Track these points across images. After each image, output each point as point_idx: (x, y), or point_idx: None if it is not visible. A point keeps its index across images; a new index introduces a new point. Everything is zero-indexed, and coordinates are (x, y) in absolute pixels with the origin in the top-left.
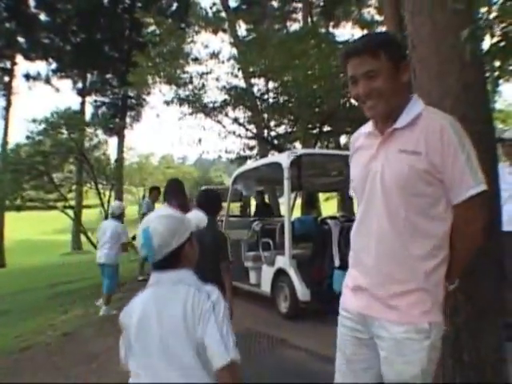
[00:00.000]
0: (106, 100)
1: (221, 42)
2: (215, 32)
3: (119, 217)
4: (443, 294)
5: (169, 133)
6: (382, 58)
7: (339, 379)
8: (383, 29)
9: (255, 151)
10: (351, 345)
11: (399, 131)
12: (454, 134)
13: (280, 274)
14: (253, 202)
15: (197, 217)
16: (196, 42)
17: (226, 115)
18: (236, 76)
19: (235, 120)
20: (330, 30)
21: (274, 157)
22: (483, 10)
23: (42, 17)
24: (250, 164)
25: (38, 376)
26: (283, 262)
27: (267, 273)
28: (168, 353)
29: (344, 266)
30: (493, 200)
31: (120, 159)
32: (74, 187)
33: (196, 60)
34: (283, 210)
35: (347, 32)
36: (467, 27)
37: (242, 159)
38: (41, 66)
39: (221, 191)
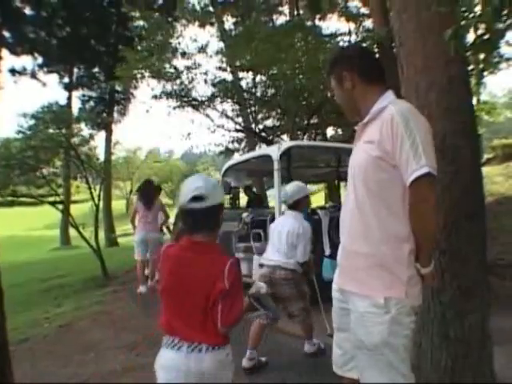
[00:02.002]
0: (93, 94)
1: (209, 37)
2: (203, 26)
3: None
4: (409, 273)
5: (156, 127)
6: (333, 75)
7: (334, 349)
8: (369, 22)
9: (243, 144)
10: (338, 315)
11: (368, 125)
12: (401, 121)
13: None
14: (242, 195)
15: None
16: (184, 37)
17: (214, 109)
18: (224, 70)
19: (223, 113)
20: (317, 22)
21: (263, 149)
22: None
23: (27, 11)
24: (240, 156)
25: (38, 366)
26: None
27: (258, 264)
28: None
29: (334, 255)
30: (476, 185)
31: (109, 154)
32: (63, 182)
33: (184, 54)
34: (271, 201)
35: (333, 25)
36: (450, 26)
37: (229, 152)
38: (27, 61)
39: None
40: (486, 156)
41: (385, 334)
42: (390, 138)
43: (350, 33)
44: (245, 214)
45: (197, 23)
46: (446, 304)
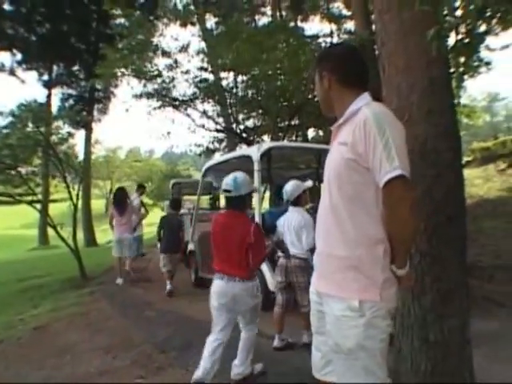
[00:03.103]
0: (73, 93)
1: (190, 36)
2: (184, 25)
3: None
4: (384, 276)
5: (136, 126)
6: (316, 71)
7: (313, 352)
8: (351, 23)
9: (223, 144)
10: (316, 318)
11: (342, 126)
12: (374, 124)
13: None
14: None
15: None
16: (165, 36)
17: (195, 108)
18: (205, 70)
19: (204, 113)
20: (299, 24)
21: (244, 150)
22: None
23: (6, 6)
24: (221, 157)
25: (11, 369)
26: None
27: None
28: None
29: None
30: (458, 188)
31: (88, 152)
32: (41, 181)
33: (165, 53)
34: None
35: (315, 26)
36: (433, 26)
37: (209, 152)
38: (5, 57)
39: (190, 184)
40: (465, 159)
41: (360, 338)
42: (362, 140)
43: (331, 34)
44: None
45: (178, 22)
46: (427, 307)
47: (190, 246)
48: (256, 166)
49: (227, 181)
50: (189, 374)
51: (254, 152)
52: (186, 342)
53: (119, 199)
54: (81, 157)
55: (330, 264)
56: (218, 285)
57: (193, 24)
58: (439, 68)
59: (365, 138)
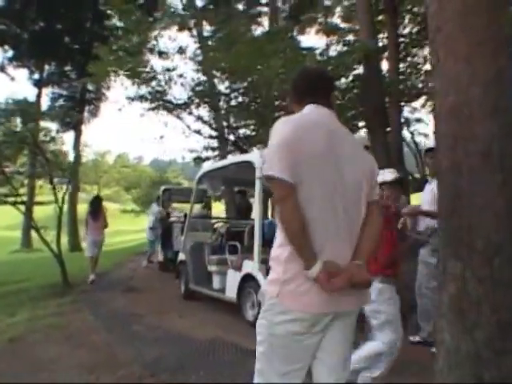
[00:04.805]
0: (64, 93)
1: (188, 40)
2: (181, 29)
3: None
4: (286, 276)
5: (126, 131)
6: None
7: None
8: (350, 36)
9: (216, 152)
10: None
11: None
12: (272, 131)
13: (247, 279)
14: (215, 204)
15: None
16: (162, 36)
17: (190, 113)
18: (202, 73)
19: (199, 118)
20: (296, 36)
21: (244, 155)
22: None
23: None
24: (217, 162)
25: None
26: (251, 266)
27: (233, 278)
28: None
29: None
30: None
31: (78, 154)
32: (26, 181)
33: (161, 54)
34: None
35: (312, 39)
36: (504, 5)
37: (201, 161)
38: None
39: (180, 191)
40: None
41: (261, 323)
42: None
43: (327, 47)
44: (220, 224)
45: (176, 27)
46: (482, 342)
47: (181, 256)
48: (258, 173)
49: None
50: None
51: (256, 158)
52: (178, 363)
53: (95, 206)
54: (70, 158)
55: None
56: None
57: (190, 30)
58: (508, 56)
59: None
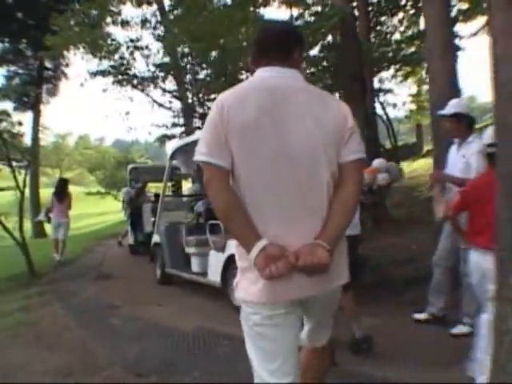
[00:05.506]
0: (20, 71)
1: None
2: (140, 4)
3: None
4: (240, 264)
5: (88, 111)
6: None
7: None
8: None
9: (183, 129)
10: None
11: None
12: None
13: (233, 261)
14: (185, 183)
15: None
16: (125, 3)
17: (156, 87)
18: (164, 48)
19: (165, 91)
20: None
21: None
22: None
23: None
24: (193, 135)
25: None
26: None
27: (216, 260)
28: None
29: None
30: None
31: (36, 136)
32: None
33: (124, 24)
34: None
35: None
36: None
37: (166, 138)
38: None
39: (149, 169)
40: None
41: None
42: None
43: (292, 19)
44: (199, 203)
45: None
46: None
47: (155, 238)
48: None
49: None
50: None
51: None
52: (166, 360)
53: (60, 188)
54: (29, 141)
55: None
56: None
57: (149, 4)
58: None
59: None
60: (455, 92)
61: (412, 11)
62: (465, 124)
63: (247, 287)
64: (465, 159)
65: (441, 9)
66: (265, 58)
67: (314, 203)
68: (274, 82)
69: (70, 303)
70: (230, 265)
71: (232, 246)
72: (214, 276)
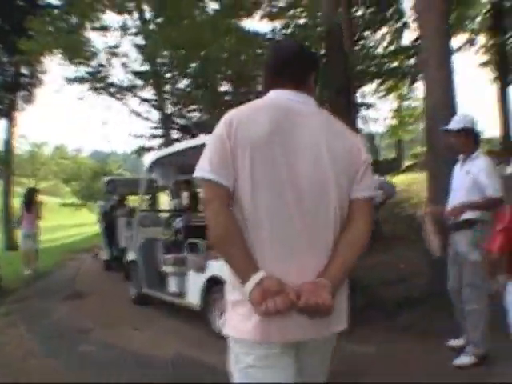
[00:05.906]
0: None
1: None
2: (120, 13)
3: None
4: (232, 297)
5: (65, 121)
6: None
7: None
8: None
9: (161, 141)
10: None
11: None
12: None
13: (214, 283)
14: (163, 196)
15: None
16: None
17: (134, 96)
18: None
19: (144, 100)
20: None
21: (203, 137)
22: None
23: None
24: (172, 147)
25: None
26: (218, 268)
27: (195, 281)
28: None
29: None
30: None
31: (10, 144)
32: None
33: (103, 29)
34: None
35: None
36: None
37: (143, 151)
38: None
39: (125, 182)
40: None
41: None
42: None
43: (274, 32)
44: (177, 220)
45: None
46: None
47: (131, 255)
48: None
49: None
50: None
51: None
52: None
53: (28, 198)
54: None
55: None
56: None
57: (129, 13)
58: None
59: None
60: (452, 103)
61: (397, 25)
62: (472, 139)
63: (238, 324)
64: (470, 175)
65: (439, 19)
66: (277, 84)
67: (319, 237)
68: (288, 104)
69: (38, 325)
70: (211, 287)
71: (214, 267)
72: (193, 298)
